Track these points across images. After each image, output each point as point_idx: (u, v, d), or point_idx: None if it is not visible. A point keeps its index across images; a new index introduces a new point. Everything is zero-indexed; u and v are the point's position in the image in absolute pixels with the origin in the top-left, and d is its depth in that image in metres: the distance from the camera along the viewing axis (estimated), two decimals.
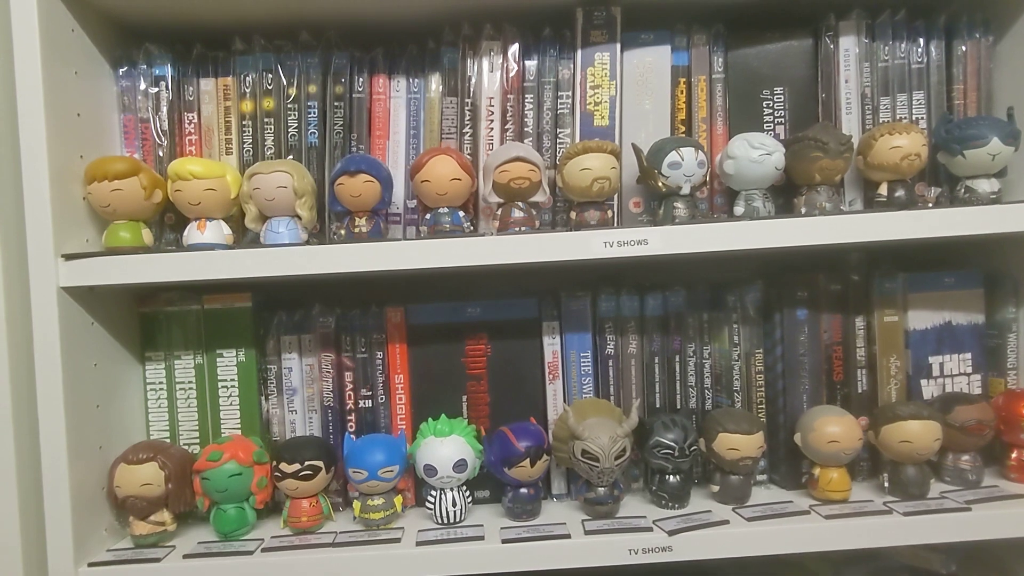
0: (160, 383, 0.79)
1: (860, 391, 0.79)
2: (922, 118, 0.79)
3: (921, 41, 0.79)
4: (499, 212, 0.73)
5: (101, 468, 0.71)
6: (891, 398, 0.79)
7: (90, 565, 0.67)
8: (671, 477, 0.74)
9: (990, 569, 0.85)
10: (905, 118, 0.79)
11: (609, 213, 0.74)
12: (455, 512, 0.73)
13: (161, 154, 0.77)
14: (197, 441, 0.78)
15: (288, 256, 0.68)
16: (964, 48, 0.80)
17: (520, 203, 0.72)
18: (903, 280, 0.80)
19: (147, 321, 0.79)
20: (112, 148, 0.76)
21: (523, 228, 0.71)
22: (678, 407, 0.80)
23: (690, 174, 0.71)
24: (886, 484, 0.75)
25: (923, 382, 0.80)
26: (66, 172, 0.68)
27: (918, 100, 0.79)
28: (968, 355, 0.81)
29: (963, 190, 0.75)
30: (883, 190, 0.75)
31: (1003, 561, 0.84)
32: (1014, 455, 0.77)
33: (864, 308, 0.80)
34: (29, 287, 0.66)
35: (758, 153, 0.71)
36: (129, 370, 0.78)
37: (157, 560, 0.68)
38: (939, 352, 0.81)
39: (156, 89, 0.77)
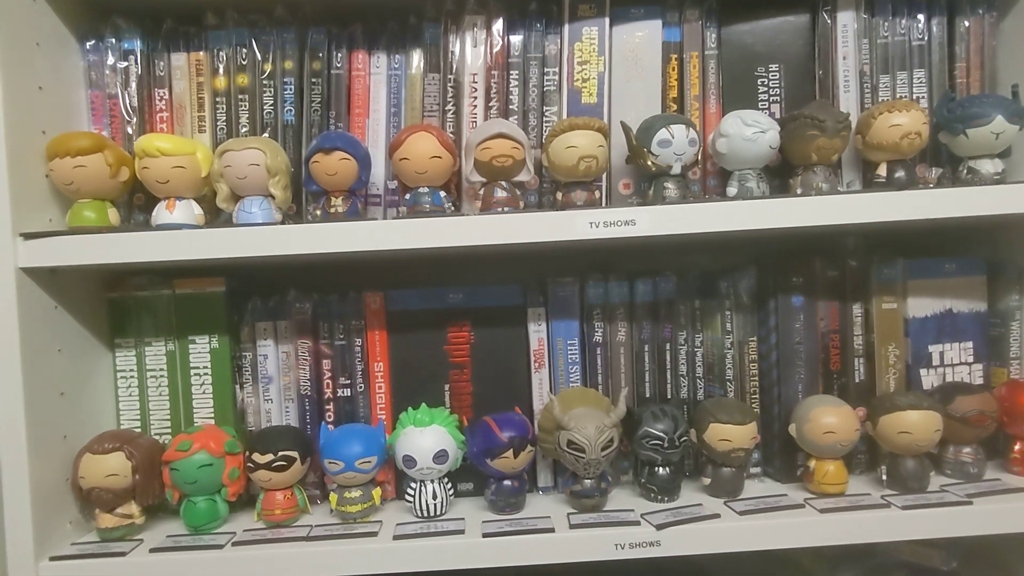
0: (130, 371, 0.76)
1: (857, 381, 0.77)
2: (923, 97, 0.76)
3: (922, 17, 0.76)
4: (481, 192, 0.70)
5: (65, 458, 0.68)
6: (890, 388, 0.76)
7: (52, 559, 0.64)
8: (661, 469, 0.71)
9: (992, 566, 0.82)
10: (905, 97, 0.76)
11: (597, 194, 0.71)
12: (435, 505, 0.70)
13: (131, 132, 0.74)
14: (169, 431, 0.75)
15: (261, 236, 0.65)
16: (967, 24, 0.77)
17: (503, 183, 0.69)
18: (903, 266, 0.77)
19: (116, 307, 0.76)
20: (79, 125, 0.73)
21: (506, 208, 0.68)
22: (669, 397, 0.78)
23: (681, 152, 0.68)
24: (884, 477, 0.72)
25: (923, 372, 0.78)
26: (26, 148, 0.65)
27: (919, 78, 0.77)
28: (970, 344, 0.79)
29: (965, 171, 0.72)
30: (882, 170, 0.72)
31: (1005, 558, 0.82)
32: (1017, 447, 0.74)
33: (862, 295, 0.77)
34: None
35: (752, 131, 0.68)
36: (97, 357, 0.75)
37: (123, 554, 0.65)
38: (939, 341, 0.78)
39: (125, 64, 0.74)
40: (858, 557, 0.79)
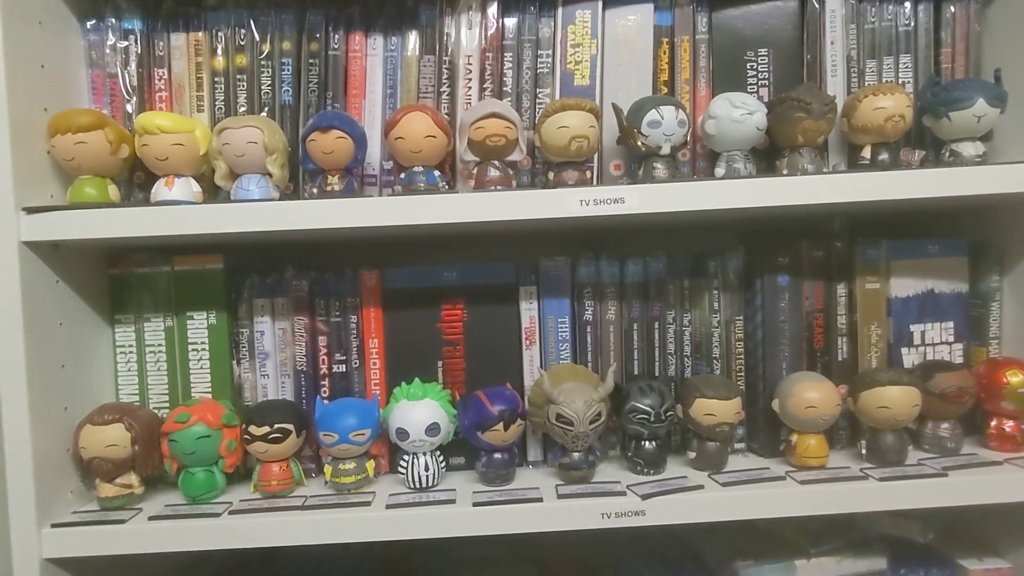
0: (130, 346, 0.78)
1: (840, 359, 0.78)
2: (909, 82, 0.78)
3: (908, 3, 0.78)
4: (475, 171, 0.71)
5: (66, 429, 0.70)
6: (871, 366, 0.78)
7: (53, 526, 0.66)
8: (647, 443, 0.73)
9: (968, 539, 0.84)
10: (891, 81, 0.78)
11: (588, 174, 0.73)
12: (427, 477, 0.72)
13: (130, 110, 0.75)
14: (167, 405, 0.77)
15: (258, 212, 0.66)
16: (953, 10, 0.78)
17: (496, 162, 0.71)
18: (886, 247, 0.79)
19: (117, 283, 0.77)
20: (79, 103, 0.75)
21: (499, 187, 0.70)
22: (657, 374, 0.79)
23: (670, 133, 0.70)
24: (863, 451, 0.74)
25: (904, 350, 0.80)
26: (28, 125, 0.66)
27: (905, 64, 0.78)
28: (950, 324, 0.81)
29: (948, 153, 0.74)
30: (867, 153, 0.74)
31: (982, 531, 0.84)
32: (993, 423, 0.76)
33: (846, 275, 0.79)
34: None
35: (739, 112, 0.70)
36: (98, 332, 0.76)
37: (122, 522, 0.67)
38: (921, 320, 0.80)
39: (125, 43, 0.75)
40: (839, 530, 0.81)
